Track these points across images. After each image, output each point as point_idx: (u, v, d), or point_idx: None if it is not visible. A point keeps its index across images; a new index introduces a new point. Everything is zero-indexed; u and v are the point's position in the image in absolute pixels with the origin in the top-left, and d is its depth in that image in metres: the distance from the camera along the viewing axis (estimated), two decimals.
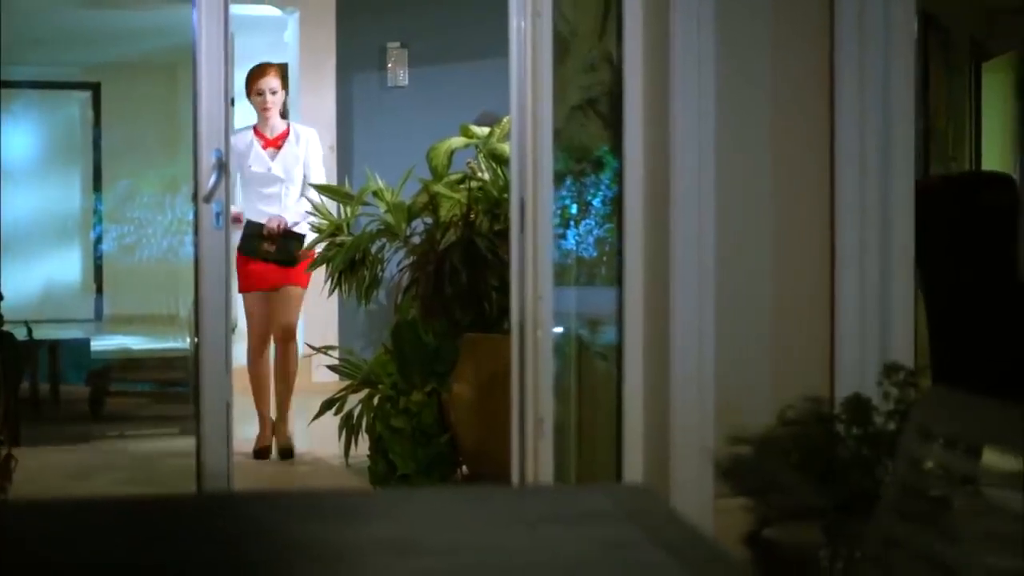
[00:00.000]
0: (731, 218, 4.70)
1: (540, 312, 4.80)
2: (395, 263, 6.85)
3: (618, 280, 4.80)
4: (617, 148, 4.78)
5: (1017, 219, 5.29)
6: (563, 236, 5.21)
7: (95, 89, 13.81)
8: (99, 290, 13.39)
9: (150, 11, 11.51)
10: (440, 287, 6.21)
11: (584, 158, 5.08)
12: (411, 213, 6.59)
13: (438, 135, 7.12)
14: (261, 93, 7.43)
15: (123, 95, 13.57)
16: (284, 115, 7.93)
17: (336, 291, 6.93)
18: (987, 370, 5.37)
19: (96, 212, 13.55)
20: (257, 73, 7.50)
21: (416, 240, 6.64)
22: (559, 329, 5.11)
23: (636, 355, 4.77)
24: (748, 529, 3.48)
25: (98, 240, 13.39)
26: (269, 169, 7.42)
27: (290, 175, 7.43)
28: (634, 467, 4.75)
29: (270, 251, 7.32)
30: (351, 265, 6.72)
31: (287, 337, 7.37)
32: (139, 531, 2.06)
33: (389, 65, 10.15)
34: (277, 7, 10.57)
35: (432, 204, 6.49)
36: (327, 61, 10.35)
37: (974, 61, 11.60)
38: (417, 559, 1.92)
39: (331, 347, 7.46)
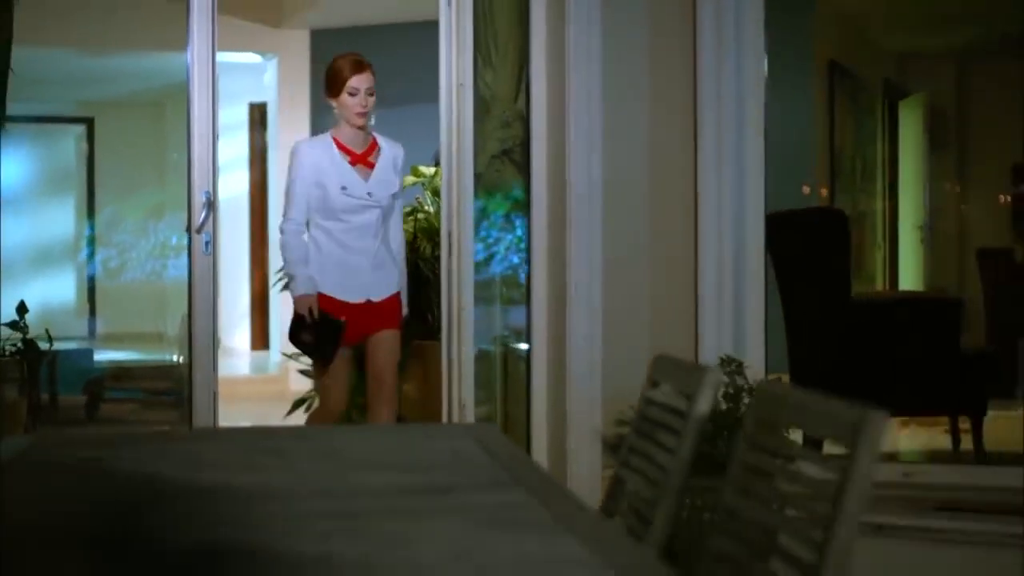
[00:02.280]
0: (616, 245, 5.86)
1: (464, 321, 5.97)
2: None
3: (527, 298, 5.99)
4: (527, 188, 5.97)
5: (848, 247, 6.46)
6: (488, 261, 6.36)
7: (89, 123, 14.70)
8: (92, 310, 14.25)
9: (141, 55, 12.34)
10: None
11: (502, 197, 6.23)
12: None
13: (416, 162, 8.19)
14: (355, 93, 5.73)
15: (115, 129, 14.47)
16: None
17: None
18: (828, 368, 6.56)
19: (89, 237, 14.39)
20: (353, 66, 5.78)
21: None
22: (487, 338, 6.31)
23: (541, 357, 5.95)
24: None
25: (91, 263, 14.23)
26: (369, 194, 5.76)
27: (387, 201, 5.83)
28: (540, 443, 5.93)
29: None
30: None
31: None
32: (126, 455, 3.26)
33: None
34: (258, 53, 11.64)
35: None
36: (302, 103, 11.28)
37: (888, 100, 12.75)
38: (336, 459, 3.11)
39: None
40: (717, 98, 5.80)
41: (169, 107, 13.41)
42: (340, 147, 5.78)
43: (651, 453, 3.02)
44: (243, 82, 11.98)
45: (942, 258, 12.69)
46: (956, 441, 6.84)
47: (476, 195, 6.00)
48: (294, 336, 5.87)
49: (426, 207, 7.71)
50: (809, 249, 6.40)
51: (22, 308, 6.89)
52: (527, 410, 5.97)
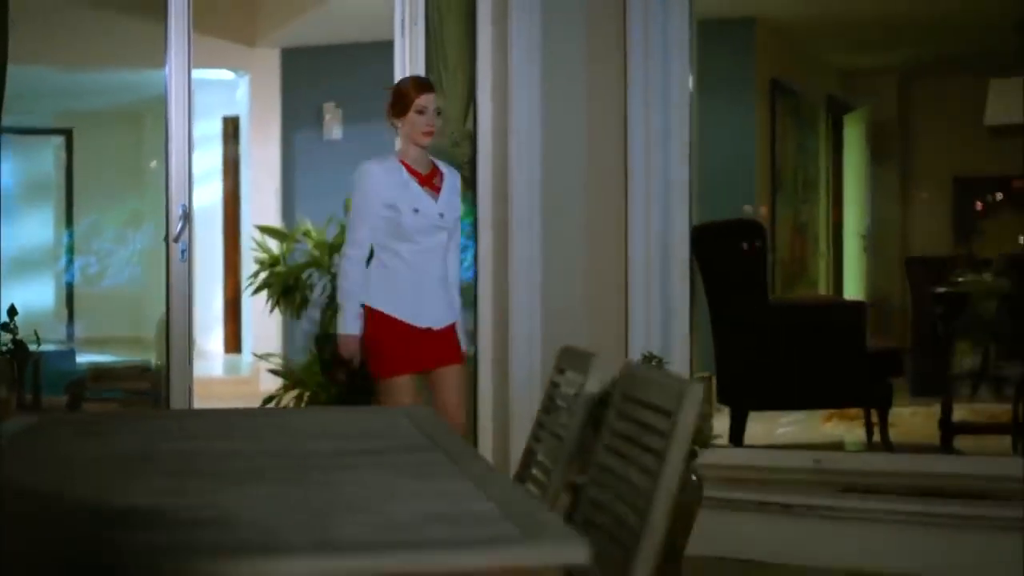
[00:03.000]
0: (555, 252, 6.49)
1: None
2: (320, 287, 8.60)
3: (474, 302, 6.61)
4: (474, 202, 6.58)
5: (765, 256, 7.10)
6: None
7: (68, 135, 15.15)
8: (71, 315, 14.66)
9: (119, 71, 12.78)
10: None
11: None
12: (332, 248, 8.35)
13: None
14: (423, 111, 5.58)
15: (93, 140, 14.90)
16: None
17: (276, 309, 8.69)
18: (748, 366, 7.20)
19: (68, 245, 14.80)
20: (420, 85, 5.68)
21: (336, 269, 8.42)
22: None
23: (487, 356, 6.57)
24: None
25: (70, 270, 14.65)
26: (441, 215, 5.64)
27: (454, 224, 5.75)
28: (485, 434, 6.55)
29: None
30: (286, 289, 8.48)
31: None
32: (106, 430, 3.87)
33: (326, 121, 11.58)
34: (231, 70, 12.16)
35: None
36: (273, 117, 11.78)
37: (833, 115, 13.37)
38: (293, 431, 3.71)
39: (271, 355, 9.20)
40: (645, 116, 6.41)
41: (147, 119, 13.80)
42: (408, 169, 5.60)
43: (553, 427, 3.64)
44: (217, 96, 12.36)
45: (883, 265, 13.29)
46: (870, 432, 7.49)
47: None
48: (329, 368, 5.84)
49: None
50: (730, 257, 7.04)
51: (12, 311, 7.43)
52: (475, 406, 6.57)
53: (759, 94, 10.95)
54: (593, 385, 3.39)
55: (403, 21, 6.64)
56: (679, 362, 6.26)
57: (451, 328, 5.73)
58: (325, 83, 11.52)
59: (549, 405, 3.74)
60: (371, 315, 5.58)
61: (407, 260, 5.58)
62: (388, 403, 5.52)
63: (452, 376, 5.73)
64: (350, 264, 5.60)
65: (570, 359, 3.73)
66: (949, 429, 7.42)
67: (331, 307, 8.27)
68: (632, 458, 2.82)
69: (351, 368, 5.64)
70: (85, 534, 2.32)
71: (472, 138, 6.62)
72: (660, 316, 6.40)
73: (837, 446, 7.68)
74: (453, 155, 6.70)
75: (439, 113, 5.66)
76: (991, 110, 11.51)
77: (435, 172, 5.69)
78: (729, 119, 10.35)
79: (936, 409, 7.74)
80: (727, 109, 10.31)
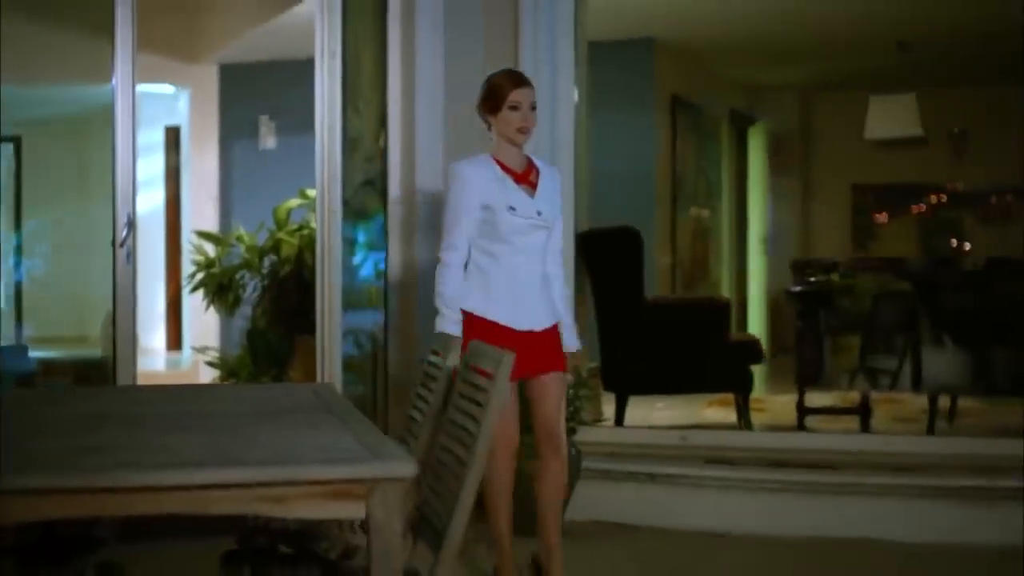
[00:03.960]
0: None
1: (333, 320, 7.45)
2: (252, 287, 9.47)
3: (384, 297, 7.50)
4: (385, 211, 7.48)
5: (640, 258, 8.02)
6: (358, 270, 7.83)
7: (17, 142, 15.76)
8: (19, 314, 15.28)
9: (68, 85, 13.39)
10: (280, 304, 8.89)
11: (366, 219, 7.72)
12: (262, 252, 9.23)
13: (296, 188, 9.60)
14: (518, 107, 5.34)
15: (42, 148, 15.51)
16: None
17: (212, 307, 9.57)
18: (628, 357, 8.13)
19: (16, 247, 15.37)
20: (514, 80, 5.40)
21: (266, 271, 9.32)
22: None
23: (396, 345, 7.46)
24: None
25: (18, 271, 15.27)
26: (539, 213, 5.39)
27: (553, 222, 5.50)
28: (395, 416, 7.42)
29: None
30: (220, 288, 9.35)
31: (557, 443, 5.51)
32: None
33: (261, 133, 12.23)
34: (172, 85, 12.87)
35: (276, 246, 9.17)
36: (211, 129, 12.42)
37: (736, 128, 14.30)
38: (216, 400, 4.61)
39: (208, 348, 10.06)
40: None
41: (93, 129, 14.35)
42: (502, 166, 5.37)
43: (425, 396, 4.55)
44: (160, 107, 12.96)
45: (782, 267, 14.18)
46: (739, 414, 8.44)
47: (345, 217, 7.48)
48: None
49: (312, 224, 9.20)
50: (610, 260, 7.96)
51: None
52: (385, 389, 7.45)
53: (660, 109, 11.84)
54: (453, 361, 4.30)
55: (323, 53, 7.48)
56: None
57: (553, 330, 5.50)
58: (260, 97, 12.11)
59: (424, 380, 4.64)
60: (469, 320, 5.34)
61: (504, 262, 5.36)
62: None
63: (553, 385, 5.47)
64: (447, 270, 5.37)
65: (441, 342, 4.64)
66: (803, 412, 8.43)
67: (261, 304, 9.16)
68: (467, 410, 3.73)
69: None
70: (54, 456, 3.22)
71: (384, 154, 7.50)
72: None
73: (712, 427, 8.63)
74: (367, 169, 7.59)
75: (534, 108, 5.39)
76: (870, 125, 12.51)
77: (531, 169, 5.45)
78: (632, 133, 11.28)
79: (816, 396, 8.80)
80: (629, 123, 11.25)
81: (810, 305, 9.09)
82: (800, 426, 8.37)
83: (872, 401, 8.73)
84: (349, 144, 7.53)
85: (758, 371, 8.96)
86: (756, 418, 8.57)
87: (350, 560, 4.03)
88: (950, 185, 14.89)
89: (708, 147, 13.39)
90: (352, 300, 7.67)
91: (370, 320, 7.72)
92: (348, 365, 7.60)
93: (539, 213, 5.36)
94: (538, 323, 5.44)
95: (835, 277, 9.50)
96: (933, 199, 15.08)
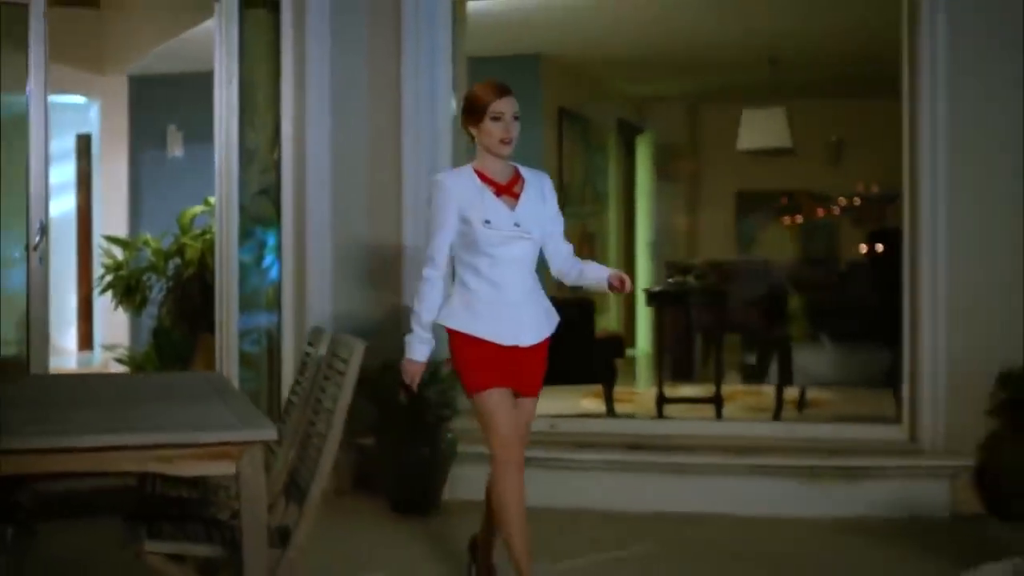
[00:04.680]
0: (343, 255, 8.06)
1: (231, 319, 8.11)
2: (158, 288, 10.09)
3: (278, 296, 8.16)
4: (278, 218, 8.14)
5: None
6: (268, 272, 8.47)
7: None
8: None
9: None
10: (184, 304, 9.55)
11: (263, 225, 8.37)
12: (167, 256, 9.87)
13: (202, 195, 10.15)
14: (500, 117, 5.20)
15: None
16: None
17: (120, 307, 10.21)
18: None
19: None
20: (496, 90, 5.24)
21: (170, 273, 9.97)
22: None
23: (290, 337, 8.11)
24: None
25: None
26: (517, 225, 5.25)
27: (538, 232, 5.33)
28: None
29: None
30: (128, 290, 9.98)
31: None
32: None
33: (169, 142, 12.75)
34: (83, 95, 13.35)
35: (181, 250, 9.82)
36: (121, 138, 12.89)
37: (625, 137, 15.03)
38: (116, 387, 5.27)
39: (116, 346, 10.68)
40: (415, 141, 8.01)
41: (7, 135, 14.81)
42: (483, 179, 5.26)
43: (301, 382, 5.24)
44: (72, 115, 13.37)
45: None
46: (608, 404, 9.21)
47: (244, 223, 8.12)
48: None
49: (214, 229, 9.85)
50: None
51: None
52: (278, 381, 8.10)
53: (547, 121, 12.55)
54: (321, 350, 5.00)
55: (221, 72, 8.13)
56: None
57: (542, 347, 5.38)
58: (169, 107, 12.61)
59: (301, 368, 5.34)
60: (453, 336, 5.30)
61: (486, 276, 5.25)
62: (485, 421, 5.24)
63: (524, 411, 5.40)
64: (426, 286, 5.32)
65: (314, 335, 5.34)
66: (662, 401, 9.24)
67: (166, 305, 9.80)
68: (326, 389, 4.44)
69: (411, 393, 5.48)
70: None
71: (278, 166, 8.16)
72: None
73: (579, 415, 9.37)
74: (262, 180, 8.25)
75: (517, 118, 5.24)
76: (742, 137, 13.30)
77: (516, 180, 5.32)
78: (519, 144, 11.90)
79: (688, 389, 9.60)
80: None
81: (664, 304, 9.88)
82: (659, 414, 9.15)
83: (739, 393, 9.55)
84: (246, 156, 8.17)
85: (643, 366, 9.71)
86: (626, 408, 9.34)
87: (236, 520, 4.70)
88: (828, 192, 15.70)
89: (596, 156, 14.12)
90: (254, 301, 8.28)
91: (267, 320, 8.33)
92: (247, 360, 8.25)
93: (517, 225, 5.22)
94: (525, 338, 5.28)
95: (691, 279, 10.26)
96: (811, 205, 15.89)
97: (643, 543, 6.72)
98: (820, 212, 15.84)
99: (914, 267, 7.51)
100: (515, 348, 5.26)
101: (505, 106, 5.19)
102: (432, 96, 8.06)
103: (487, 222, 5.20)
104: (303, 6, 8.01)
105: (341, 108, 8.09)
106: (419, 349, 5.36)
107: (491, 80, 5.33)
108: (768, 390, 9.87)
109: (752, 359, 10.70)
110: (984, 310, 7.37)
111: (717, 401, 9.22)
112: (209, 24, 8.48)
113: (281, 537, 4.26)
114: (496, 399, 5.22)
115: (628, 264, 15.01)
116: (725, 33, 11.58)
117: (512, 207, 5.25)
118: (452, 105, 8.08)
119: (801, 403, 9.62)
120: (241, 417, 4.08)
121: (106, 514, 5.39)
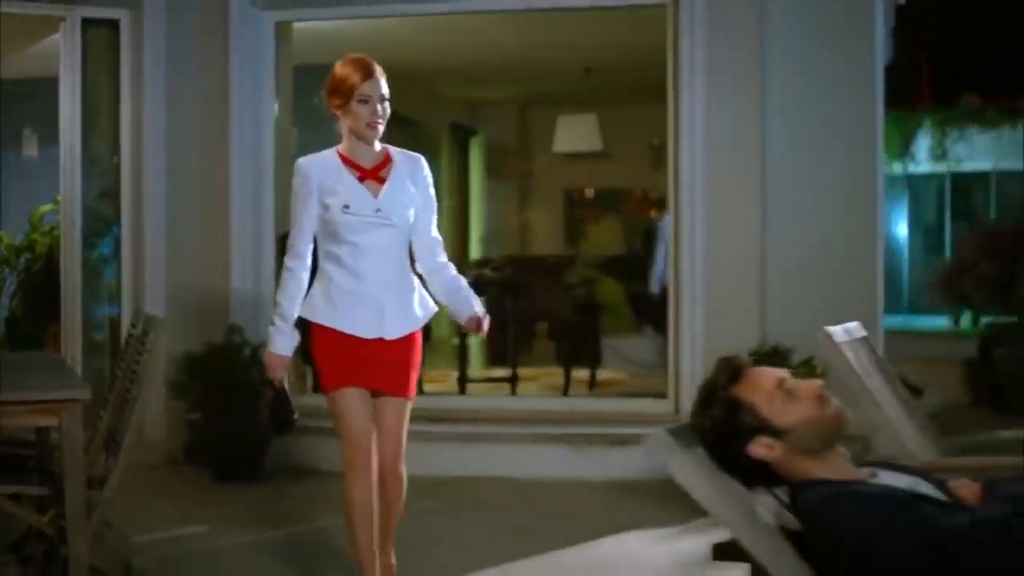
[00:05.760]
0: (179, 251, 8.98)
1: (75, 308, 9.00)
2: (10, 281, 10.94)
3: (119, 289, 9.07)
4: (118, 217, 9.05)
5: None
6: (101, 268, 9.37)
7: None
8: None
9: None
10: (34, 295, 10.42)
11: (105, 224, 9.26)
12: (19, 251, 10.71)
13: (54, 194, 10.80)
14: (367, 100, 4.96)
15: None
16: None
17: None
18: None
19: None
20: (365, 70, 5.00)
21: (21, 267, 10.83)
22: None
23: (127, 330, 9.01)
24: None
25: None
26: (378, 211, 4.98)
27: (403, 219, 5.04)
28: None
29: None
30: None
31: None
32: None
33: (24, 144, 13.42)
34: None
35: (31, 245, 10.69)
36: None
37: (460, 139, 16.01)
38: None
39: None
40: (240, 146, 8.94)
41: None
42: (347, 162, 5.03)
43: (123, 357, 6.19)
44: None
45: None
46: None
47: (88, 222, 9.01)
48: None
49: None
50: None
51: None
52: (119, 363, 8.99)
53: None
54: (136, 331, 5.95)
55: (66, 83, 9.01)
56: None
57: (409, 340, 5.13)
58: (24, 110, 12.94)
59: (125, 346, 6.27)
60: (313, 329, 5.10)
61: (346, 264, 5.01)
62: (338, 421, 5.05)
63: (393, 410, 5.15)
64: (288, 276, 5.11)
65: (136, 317, 6.30)
66: (464, 380, 10.31)
67: (17, 296, 10.66)
68: (137, 361, 5.40)
69: (277, 388, 5.22)
70: None
71: (117, 170, 9.06)
72: (252, 309, 8.89)
73: None
74: (105, 182, 9.15)
75: (385, 99, 5.00)
76: (558, 140, 14.37)
77: (385, 163, 5.07)
78: None
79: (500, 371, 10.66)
80: None
81: None
82: (461, 391, 10.22)
83: (543, 375, 10.64)
84: (89, 160, 9.09)
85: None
86: (437, 387, 10.39)
87: None
88: (649, 191, 16.81)
89: (428, 158, 15.00)
90: (99, 294, 9.17)
91: (110, 311, 9.20)
92: (95, 346, 9.14)
93: (378, 211, 4.96)
94: (390, 330, 5.03)
95: (488, 271, 11.31)
96: (634, 203, 16.99)
97: (429, 501, 7.73)
98: (642, 210, 16.90)
99: (677, 262, 8.61)
100: (379, 342, 5.02)
101: (374, 88, 4.96)
102: (256, 104, 9.02)
103: (346, 207, 4.95)
104: (140, 26, 8.92)
105: (175, 117, 9.03)
106: (281, 342, 5.10)
107: (357, 58, 5.07)
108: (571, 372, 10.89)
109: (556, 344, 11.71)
110: (731, 300, 8.49)
111: (513, 380, 10.31)
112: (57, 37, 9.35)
113: (101, 484, 5.21)
114: (348, 399, 5.01)
115: (461, 259, 15.98)
116: (544, 45, 12.54)
117: (376, 192, 4.99)
118: (275, 109, 9.04)
119: (592, 382, 10.72)
120: (64, 382, 5.04)
121: None
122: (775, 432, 3.07)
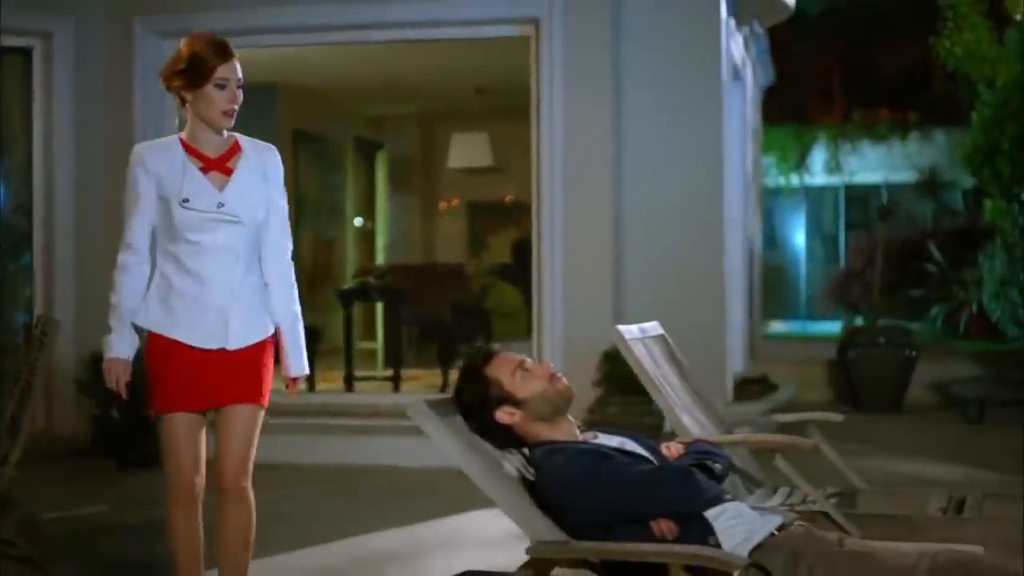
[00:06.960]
0: (87, 253, 9.77)
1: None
2: None
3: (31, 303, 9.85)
4: (31, 228, 9.82)
5: None
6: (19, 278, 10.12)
7: None
8: None
9: None
10: None
11: (21, 237, 10.02)
12: None
13: None
14: (224, 84, 4.48)
15: None
16: None
17: None
18: None
19: None
20: (223, 51, 4.50)
21: None
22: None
23: None
24: None
25: None
26: (220, 205, 4.48)
27: (251, 215, 4.54)
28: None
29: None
30: None
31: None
32: None
33: None
34: None
35: None
36: None
37: (366, 153, 16.75)
38: None
39: None
40: None
41: None
42: (190, 151, 4.54)
43: (27, 353, 6.99)
44: None
45: None
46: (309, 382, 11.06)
47: (4, 235, 9.78)
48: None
49: None
50: None
51: None
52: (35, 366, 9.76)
53: (282, 142, 14.22)
54: (37, 331, 6.75)
55: None
56: None
57: (257, 349, 4.58)
58: None
59: (27, 345, 7.06)
60: (148, 338, 4.59)
61: (185, 265, 4.49)
62: (164, 447, 4.59)
63: (240, 421, 4.59)
64: (119, 274, 4.62)
65: (38, 320, 7.08)
66: (351, 380, 11.12)
67: None
68: (35, 355, 6.21)
69: (120, 400, 4.92)
70: None
71: (30, 186, 9.85)
72: None
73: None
74: (19, 198, 9.93)
75: (240, 85, 4.52)
76: (452, 156, 15.18)
77: (232, 154, 4.58)
78: None
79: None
80: None
81: (349, 300, 11.74)
82: (348, 388, 11.04)
83: (428, 375, 11.51)
84: (4, 176, 9.87)
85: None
86: (328, 386, 11.20)
87: None
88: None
89: (333, 172, 15.86)
90: (18, 302, 9.95)
91: (26, 317, 9.99)
92: (11, 349, 9.90)
93: (221, 205, 4.46)
94: (233, 339, 4.51)
95: (371, 279, 12.09)
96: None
97: (309, 487, 8.55)
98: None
99: (540, 270, 9.49)
100: (220, 352, 4.52)
101: (231, 71, 4.49)
102: (159, 117, 9.82)
103: (185, 201, 4.46)
104: (50, 53, 9.72)
105: (83, 134, 9.85)
106: (117, 345, 4.60)
107: (211, 37, 4.58)
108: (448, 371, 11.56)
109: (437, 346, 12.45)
110: (588, 303, 9.38)
111: (396, 379, 11.16)
112: None
113: (3, 463, 6.01)
114: (177, 425, 4.54)
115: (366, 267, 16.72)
116: (438, 68, 13.37)
117: (221, 185, 4.51)
118: (176, 124, 9.85)
119: None
120: None
121: None
122: (515, 402, 4.00)
